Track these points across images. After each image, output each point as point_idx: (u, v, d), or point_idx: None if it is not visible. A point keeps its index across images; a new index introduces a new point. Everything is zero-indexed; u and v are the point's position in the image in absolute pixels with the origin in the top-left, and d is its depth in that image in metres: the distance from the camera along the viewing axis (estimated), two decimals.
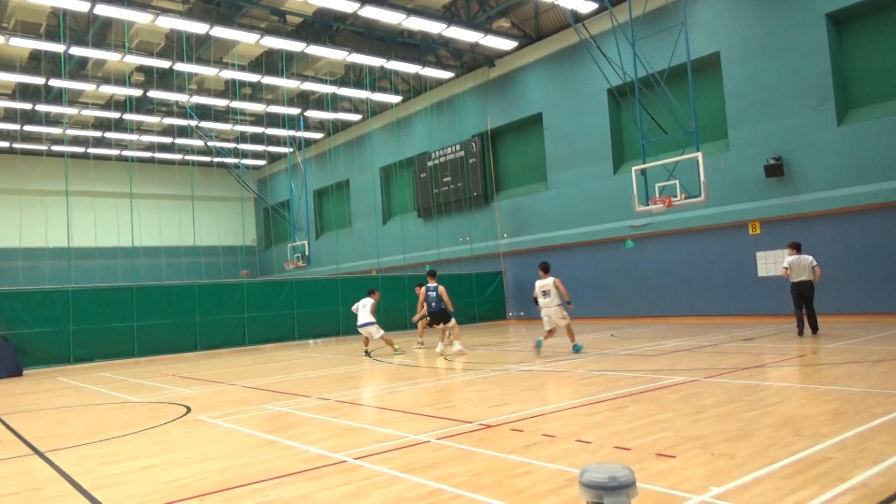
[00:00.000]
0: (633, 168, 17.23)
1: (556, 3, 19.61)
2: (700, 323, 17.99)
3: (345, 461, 5.11)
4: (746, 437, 5.09)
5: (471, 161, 26.27)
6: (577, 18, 20.82)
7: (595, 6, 20.07)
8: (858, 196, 15.71)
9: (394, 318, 21.56)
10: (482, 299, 24.94)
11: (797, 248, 12.77)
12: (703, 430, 5.40)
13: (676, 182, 16.15)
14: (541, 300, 12.31)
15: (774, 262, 17.33)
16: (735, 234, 18.19)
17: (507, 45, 22.89)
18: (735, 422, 5.66)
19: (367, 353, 14.96)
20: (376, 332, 14.82)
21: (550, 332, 12.44)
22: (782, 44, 17.05)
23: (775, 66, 17.20)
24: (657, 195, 16.61)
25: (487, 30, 21.83)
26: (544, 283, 12.26)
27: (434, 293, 14.07)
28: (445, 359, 12.89)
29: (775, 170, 16.90)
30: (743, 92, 17.93)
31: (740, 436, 5.15)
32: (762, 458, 4.50)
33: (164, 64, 22.12)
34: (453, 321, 14.16)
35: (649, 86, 17.81)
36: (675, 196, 16.04)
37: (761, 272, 17.63)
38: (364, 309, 14.96)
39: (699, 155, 15.51)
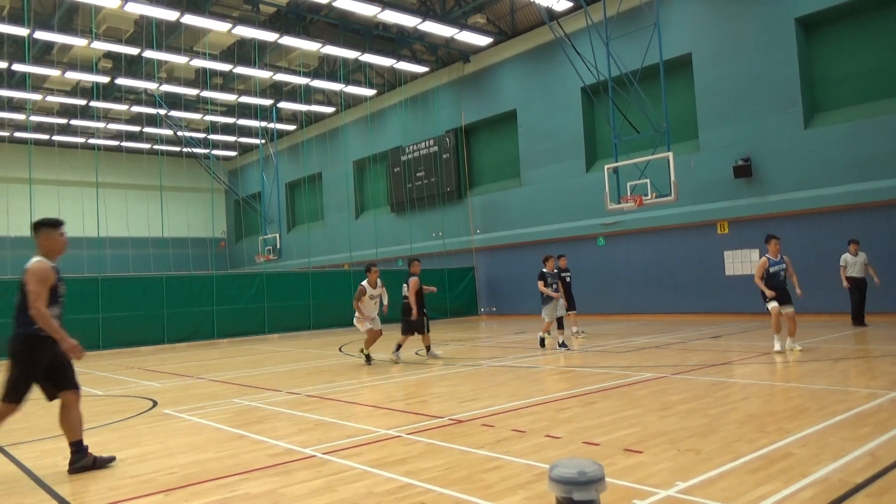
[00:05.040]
0: (606, 166, 17.39)
1: (531, 0, 19.66)
2: (668, 320, 18.25)
3: (314, 456, 5.08)
4: (712, 433, 5.17)
5: (444, 156, 26.25)
6: (552, 16, 20.91)
7: (570, 4, 20.18)
8: (823, 198, 16.08)
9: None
10: (454, 294, 24.96)
11: (858, 245, 13.98)
12: (670, 426, 5.48)
13: (647, 181, 16.34)
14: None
15: (742, 262, 17.66)
16: (704, 233, 18.48)
17: (482, 41, 22.88)
18: (701, 418, 5.75)
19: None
20: None
21: None
22: (752, 47, 17.34)
23: (745, 69, 17.49)
24: (628, 194, 16.79)
25: (463, 25, 21.80)
26: None
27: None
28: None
29: (744, 171, 17.20)
30: (713, 93, 18.20)
31: (706, 432, 5.24)
32: (727, 453, 4.58)
33: (132, 51, 21.63)
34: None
35: (622, 85, 17.97)
36: (646, 195, 16.23)
37: (728, 271, 17.94)
38: None
39: (670, 155, 15.71)
